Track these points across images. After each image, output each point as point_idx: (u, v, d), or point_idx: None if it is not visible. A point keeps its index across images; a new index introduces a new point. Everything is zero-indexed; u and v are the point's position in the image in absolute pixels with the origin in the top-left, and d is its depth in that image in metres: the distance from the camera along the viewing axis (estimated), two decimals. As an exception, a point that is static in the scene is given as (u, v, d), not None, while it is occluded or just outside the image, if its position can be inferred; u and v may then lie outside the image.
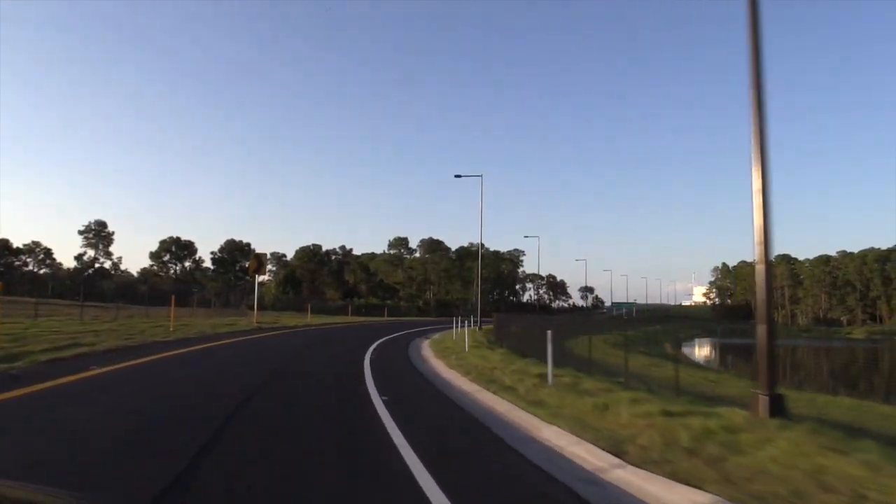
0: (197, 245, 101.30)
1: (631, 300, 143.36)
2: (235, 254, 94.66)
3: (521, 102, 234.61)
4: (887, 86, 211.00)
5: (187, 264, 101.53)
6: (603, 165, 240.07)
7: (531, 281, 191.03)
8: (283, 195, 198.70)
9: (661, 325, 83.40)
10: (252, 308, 49.65)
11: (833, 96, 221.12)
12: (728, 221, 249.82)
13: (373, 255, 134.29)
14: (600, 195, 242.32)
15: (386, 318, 74.12)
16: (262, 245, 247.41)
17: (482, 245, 57.02)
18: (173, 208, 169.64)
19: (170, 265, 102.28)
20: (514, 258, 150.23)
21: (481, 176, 44.10)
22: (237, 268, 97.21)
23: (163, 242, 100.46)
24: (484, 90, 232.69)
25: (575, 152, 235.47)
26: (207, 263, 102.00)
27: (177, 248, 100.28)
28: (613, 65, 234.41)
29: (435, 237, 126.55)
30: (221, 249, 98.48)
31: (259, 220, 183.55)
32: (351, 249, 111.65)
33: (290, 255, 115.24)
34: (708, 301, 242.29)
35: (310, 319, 46.70)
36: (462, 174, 46.23)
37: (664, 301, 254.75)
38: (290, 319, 48.13)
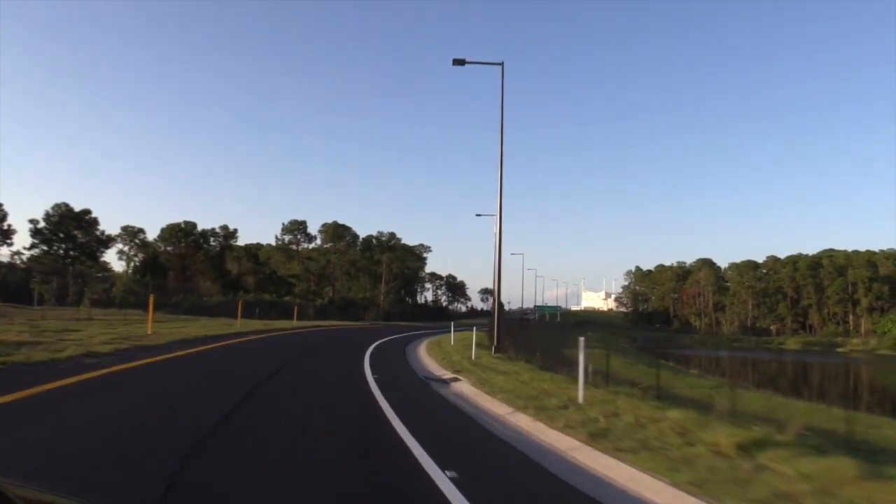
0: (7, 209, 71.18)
1: (527, 304, 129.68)
2: (69, 224, 68.23)
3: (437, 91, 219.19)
4: (819, 88, 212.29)
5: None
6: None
7: (430, 281, 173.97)
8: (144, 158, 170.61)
9: (590, 331, 75.60)
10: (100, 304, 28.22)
11: (756, 101, 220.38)
12: (620, 227, 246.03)
13: (259, 246, 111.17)
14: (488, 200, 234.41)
15: (287, 328, 52.67)
16: (111, 216, 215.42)
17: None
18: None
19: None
20: (419, 254, 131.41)
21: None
22: (71, 245, 70.26)
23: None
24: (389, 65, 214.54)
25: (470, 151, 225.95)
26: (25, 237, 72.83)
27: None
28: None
29: (340, 222, 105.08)
30: (48, 218, 70.03)
31: (105, 184, 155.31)
32: (235, 231, 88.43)
33: (153, 234, 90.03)
34: (606, 306, 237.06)
35: (150, 327, 25.37)
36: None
37: (558, 304, 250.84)
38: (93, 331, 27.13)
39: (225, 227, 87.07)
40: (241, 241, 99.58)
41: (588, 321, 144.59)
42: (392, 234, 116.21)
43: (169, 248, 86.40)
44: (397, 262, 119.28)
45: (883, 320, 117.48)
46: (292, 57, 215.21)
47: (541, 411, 9.59)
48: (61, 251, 68.53)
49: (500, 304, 27.78)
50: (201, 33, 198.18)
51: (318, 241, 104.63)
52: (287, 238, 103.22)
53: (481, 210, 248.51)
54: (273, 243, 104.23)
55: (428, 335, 45.49)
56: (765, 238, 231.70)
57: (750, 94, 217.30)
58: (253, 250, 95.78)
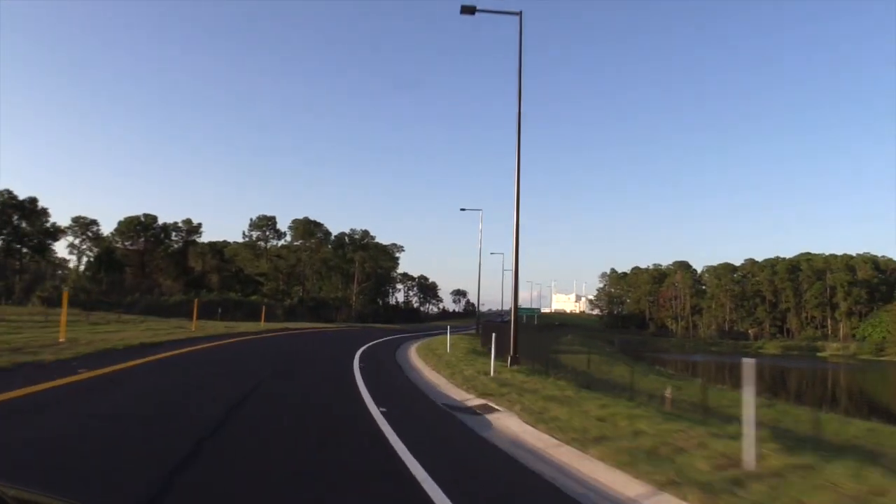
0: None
1: (496, 306, 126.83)
2: (12, 214, 61.57)
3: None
4: (795, 91, 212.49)
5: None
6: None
7: (402, 282, 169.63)
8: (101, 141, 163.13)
9: (570, 334, 76.66)
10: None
11: (733, 105, 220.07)
12: (592, 229, 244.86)
13: (226, 244, 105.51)
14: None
15: (253, 332, 47.76)
16: (61, 205, 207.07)
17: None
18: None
19: None
20: (392, 253, 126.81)
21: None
22: (13, 237, 63.51)
23: None
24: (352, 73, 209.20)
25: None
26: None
27: None
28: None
29: (311, 218, 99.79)
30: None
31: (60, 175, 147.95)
32: (199, 226, 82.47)
33: (109, 228, 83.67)
34: (577, 308, 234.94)
35: (63, 333, 20.20)
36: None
37: (533, 306, 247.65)
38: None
39: (188, 222, 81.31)
40: (206, 237, 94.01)
41: (564, 324, 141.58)
42: (365, 232, 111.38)
43: (126, 243, 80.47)
44: (370, 261, 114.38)
45: (863, 325, 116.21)
46: (268, 56, 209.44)
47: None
48: (1, 243, 61.95)
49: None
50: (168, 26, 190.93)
51: (288, 238, 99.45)
52: (255, 234, 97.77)
53: (454, 208, 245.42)
54: (240, 240, 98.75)
55: (412, 339, 41.50)
56: (741, 241, 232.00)
57: (722, 96, 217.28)
58: (218, 247, 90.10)
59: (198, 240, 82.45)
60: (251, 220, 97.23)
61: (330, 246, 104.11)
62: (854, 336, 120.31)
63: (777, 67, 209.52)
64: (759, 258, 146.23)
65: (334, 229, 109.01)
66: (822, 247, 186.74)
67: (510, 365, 18.88)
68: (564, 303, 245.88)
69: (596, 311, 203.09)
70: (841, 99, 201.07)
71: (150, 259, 78.31)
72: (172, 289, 72.11)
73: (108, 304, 55.00)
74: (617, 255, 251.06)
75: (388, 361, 22.41)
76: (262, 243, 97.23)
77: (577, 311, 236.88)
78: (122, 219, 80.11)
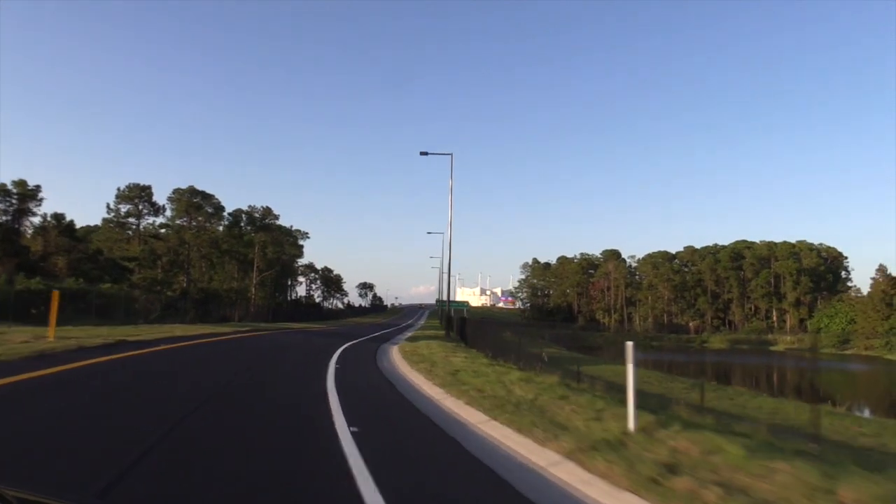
0: None
1: (394, 296, 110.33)
2: None
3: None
4: (709, 79, 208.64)
5: None
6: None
7: (304, 275, 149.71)
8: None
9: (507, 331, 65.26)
10: None
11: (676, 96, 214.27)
12: (500, 223, 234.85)
13: (91, 228, 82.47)
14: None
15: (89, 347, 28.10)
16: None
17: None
18: None
19: None
20: (296, 240, 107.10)
21: None
22: None
23: None
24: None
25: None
26: None
27: None
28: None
29: (199, 188, 78.23)
30: None
31: None
32: (37, 189, 59.21)
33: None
34: (481, 302, 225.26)
35: None
36: None
37: (426, 301, 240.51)
38: None
39: (21, 184, 58.29)
40: (52, 207, 70.60)
41: (486, 318, 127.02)
42: (267, 210, 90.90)
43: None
44: (274, 245, 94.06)
45: (817, 315, 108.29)
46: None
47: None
48: None
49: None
50: None
51: (169, 214, 77.59)
52: (125, 209, 75.36)
53: (358, 196, 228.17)
54: (106, 216, 76.01)
55: (367, 342, 31.08)
56: (660, 231, 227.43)
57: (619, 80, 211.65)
58: (70, 223, 67.33)
59: (35, 209, 60.12)
60: (119, 189, 74.79)
61: (223, 224, 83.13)
62: (805, 327, 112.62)
63: (704, 56, 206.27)
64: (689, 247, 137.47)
65: (228, 205, 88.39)
66: (753, 235, 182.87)
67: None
68: (469, 296, 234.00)
69: (517, 305, 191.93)
70: (762, 91, 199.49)
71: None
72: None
73: None
74: (529, 247, 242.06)
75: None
76: (133, 219, 75.04)
77: (487, 305, 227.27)
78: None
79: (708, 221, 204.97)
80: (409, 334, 45.62)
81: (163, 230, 78.16)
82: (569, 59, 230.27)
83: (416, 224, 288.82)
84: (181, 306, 72.58)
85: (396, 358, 20.21)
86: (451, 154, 38.78)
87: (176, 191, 73.97)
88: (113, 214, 75.18)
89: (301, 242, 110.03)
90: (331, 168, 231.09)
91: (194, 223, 76.04)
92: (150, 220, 76.85)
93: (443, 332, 46.91)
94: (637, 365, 7.20)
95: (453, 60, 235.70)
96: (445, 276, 60.36)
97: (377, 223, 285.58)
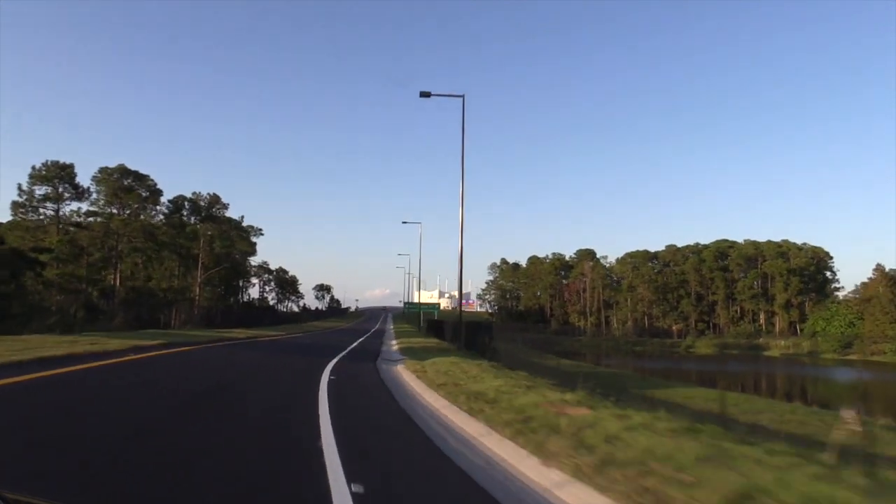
0: None
1: (353, 298, 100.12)
2: None
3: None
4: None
5: None
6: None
7: (257, 275, 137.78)
8: None
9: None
10: None
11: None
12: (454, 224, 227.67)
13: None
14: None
15: None
16: None
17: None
18: None
19: None
20: (248, 236, 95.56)
21: None
22: None
23: None
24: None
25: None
26: None
27: None
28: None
29: (133, 168, 65.88)
30: None
31: None
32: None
33: None
34: (441, 305, 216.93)
35: None
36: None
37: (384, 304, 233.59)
38: None
39: None
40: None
41: (438, 321, 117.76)
42: (215, 197, 79.07)
43: None
44: (222, 239, 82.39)
45: (812, 317, 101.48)
46: None
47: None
48: None
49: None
50: None
51: (98, 199, 65.16)
52: (41, 191, 62.76)
53: (311, 202, 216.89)
54: (17, 199, 63.26)
55: (357, 361, 21.21)
56: (627, 233, 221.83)
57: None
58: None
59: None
60: (34, 168, 62.14)
61: (161, 212, 71.16)
62: (796, 331, 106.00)
63: (687, 58, 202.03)
64: (671, 246, 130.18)
65: (169, 191, 76.60)
66: (727, 235, 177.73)
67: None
68: (428, 299, 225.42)
69: (477, 308, 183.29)
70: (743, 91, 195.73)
71: None
72: None
73: None
74: (489, 250, 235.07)
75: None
76: (49, 204, 62.54)
77: (449, 308, 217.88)
78: None
79: (678, 221, 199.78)
80: (394, 343, 35.46)
81: (92, 219, 65.81)
82: (533, 56, 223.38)
83: (374, 227, 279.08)
84: (106, 308, 60.80)
85: (440, 406, 10.07)
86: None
87: (102, 170, 61.65)
88: (26, 198, 62.48)
89: (254, 239, 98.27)
90: (283, 167, 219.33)
91: (126, 210, 63.83)
92: (74, 206, 64.43)
93: (432, 340, 37.70)
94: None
95: (408, 48, 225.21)
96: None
97: (331, 226, 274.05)
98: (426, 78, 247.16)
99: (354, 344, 33.00)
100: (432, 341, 38.19)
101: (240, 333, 40.18)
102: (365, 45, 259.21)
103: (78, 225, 63.49)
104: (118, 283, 60.80)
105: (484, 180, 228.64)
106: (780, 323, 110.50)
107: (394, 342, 39.55)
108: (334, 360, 19.68)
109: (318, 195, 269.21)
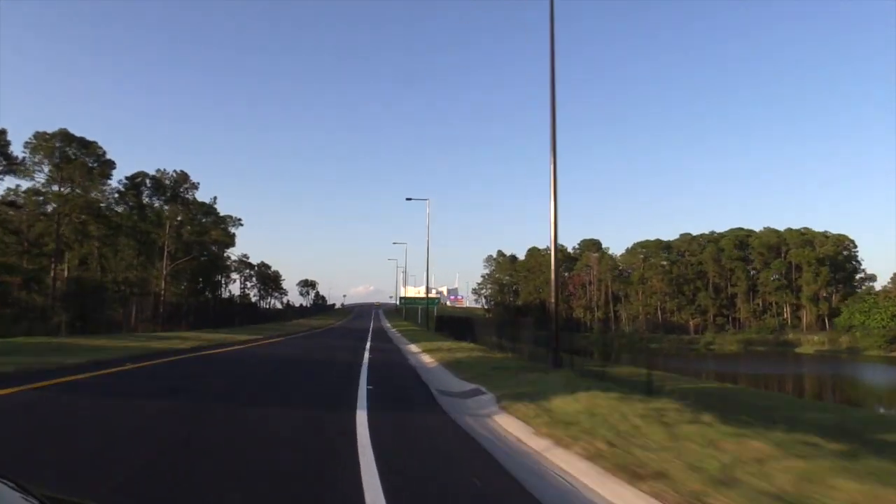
0: None
1: (341, 294, 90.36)
2: None
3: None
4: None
5: None
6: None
7: (238, 270, 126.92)
8: None
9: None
10: None
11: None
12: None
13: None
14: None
15: None
16: None
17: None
18: None
19: None
20: (227, 226, 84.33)
21: None
22: None
23: None
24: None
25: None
26: None
27: None
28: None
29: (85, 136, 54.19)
30: None
31: None
32: None
33: None
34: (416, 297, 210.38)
35: None
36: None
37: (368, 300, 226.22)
38: None
39: None
40: None
41: (452, 318, 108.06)
42: (183, 175, 67.78)
43: None
44: (192, 225, 71.31)
45: (847, 310, 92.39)
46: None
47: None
48: None
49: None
50: None
51: (42, 178, 53.72)
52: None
53: (296, 185, 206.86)
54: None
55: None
56: (628, 225, 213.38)
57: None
58: None
59: None
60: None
61: (117, 189, 59.81)
62: (824, 324, 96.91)
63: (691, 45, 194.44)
64: (686, 234, 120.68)
65: (126, 166, 65.03)
66: (740, 224, 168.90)
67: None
68: (415, 295, 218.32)
69: (466, 304, 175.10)
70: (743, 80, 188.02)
71: None
72: None
73: None
74: (477, 244, 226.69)
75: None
76: (-28, 180, 51.05)
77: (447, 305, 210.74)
78: None
79: (682, 214, 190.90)
80: (420, 353, 25.10)
81: (35, 197, 54.33)
82: (526, 43, 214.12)
83: (361, 223, 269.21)
84: (48, 307, 49.64)
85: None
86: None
87: (38, 135, 50.16)
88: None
89: (233, 230, 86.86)
90: (264, 165, 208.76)
91: (68, 185, 52.42)
92: (11, 183, 53.01)
93: (464, 344, 28.11)
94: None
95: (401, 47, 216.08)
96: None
97: (316, 222, 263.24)
98: (426, 78, 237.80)
99: (364, 358, 22.00)
100: (465, 346, 27.80)
101: (187, 341, 27.07)
102: (365, 44, 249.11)
103: (9, 203, 52.15)
104: (54, 275, 49.59)
105: (481, 171, 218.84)
106: (807, 316, 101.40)
107: (414, 349, 28.99)
108: (360, 413, 8.93)
109: (301, 193, 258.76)
